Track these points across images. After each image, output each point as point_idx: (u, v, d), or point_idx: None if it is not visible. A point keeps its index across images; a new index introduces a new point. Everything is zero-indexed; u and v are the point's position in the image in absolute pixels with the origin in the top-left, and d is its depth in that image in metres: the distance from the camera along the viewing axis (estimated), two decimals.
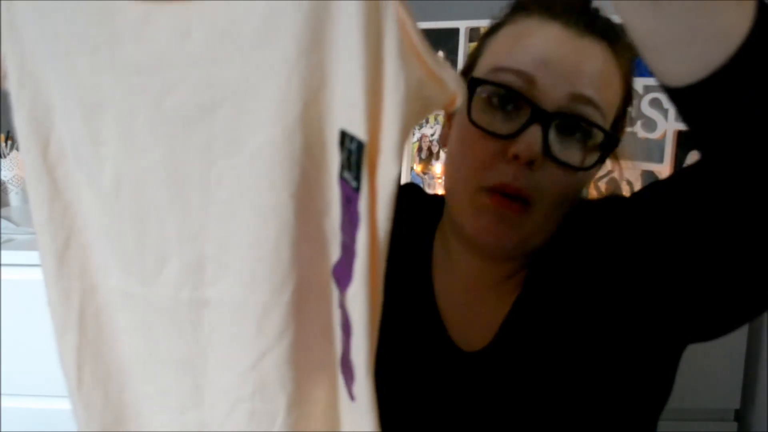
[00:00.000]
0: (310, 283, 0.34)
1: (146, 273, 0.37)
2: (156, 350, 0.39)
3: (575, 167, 0.55)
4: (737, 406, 1.46)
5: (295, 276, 0.34)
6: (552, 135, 0.53)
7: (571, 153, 0.54)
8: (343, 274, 0.33)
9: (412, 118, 0.30)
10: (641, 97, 1.46)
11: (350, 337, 0.32)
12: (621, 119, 0.60)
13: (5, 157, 1.48)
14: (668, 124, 1.38)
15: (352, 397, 0.34)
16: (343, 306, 0.33)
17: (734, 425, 1.47)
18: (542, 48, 0.54)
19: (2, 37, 0.37)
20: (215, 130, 0.33)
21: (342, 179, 0.32)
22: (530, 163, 0.53)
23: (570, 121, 0.54)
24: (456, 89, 0.30)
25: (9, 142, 1.48)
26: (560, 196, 0.55)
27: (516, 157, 0.53)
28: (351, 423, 0.36)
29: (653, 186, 0.55)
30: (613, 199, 0.61)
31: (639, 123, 1.50)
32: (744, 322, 0.50)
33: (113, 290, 0.39)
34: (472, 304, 0.62)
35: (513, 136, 0.53)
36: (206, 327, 0.37)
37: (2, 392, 1.11)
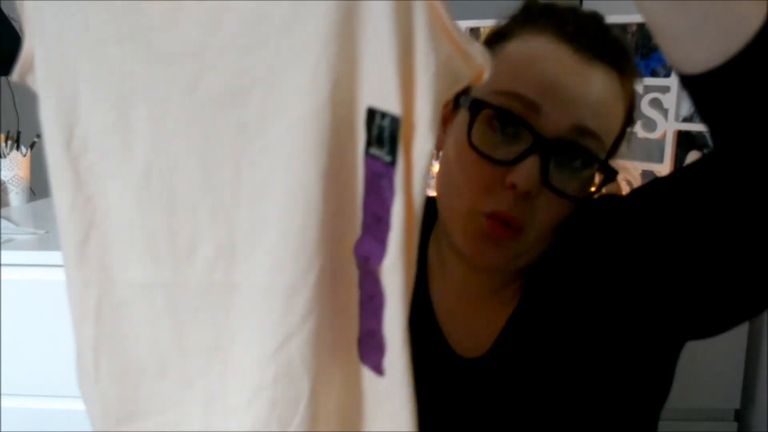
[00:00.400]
0: (334, 263, 0.35)
1: (177, 258, 0.37)
2: (180, 340, 0.39)
3: (572, 197, 0.54)
4: (737, 406, 1.46)
5: (321, 256, 0.34)
6: (551, 165, 0.53)
7: (568, 182, 0.54)
8: (370, 250, 0.33)
9: (443, 93, 0.31)
10: (641, 97, 1.46)
11: (382, 311, 0.33)
12: (619, 140, 0.59)
13: (5, 157, 1.47)
14: (668, 124, 1.38)
15: (380, 372, 0.34)
16: (366, 283, 0.34)
17: (734, 425, 1.47)
18: (551, 75, 0.53)
19: (30, 30, 0.38)
20: (247, 114, 0.34)
21: (369, 156, 0.32)
22: (527, 193, 0.52)
23: (570, 150, 0.54)
24: (483, 63, 0.31)
25: (9, 142, 1.48)
26: (554, 222, 0.55)
27: (513, 186, 0.52)
28: (376, 401, 0.36)
29: (653, 183, 0.55)
30: (610, 199, 0.61)
31: (639, 123, 1.50)
32: (743, 321, 0.50)
33: (136, 282, 0.39)
34: (470, 310, 0.62)
35: (512, 164, 0.52)
36: (234, 312, 0.37)
37: (2, 392, 1.11)
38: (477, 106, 0.54)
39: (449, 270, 0.62)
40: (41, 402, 1.12)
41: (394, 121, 0.30)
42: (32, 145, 1.50)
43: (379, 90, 0.31)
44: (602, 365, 0.56)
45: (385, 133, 0.31)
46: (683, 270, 0.49)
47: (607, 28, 0.57)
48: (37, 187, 1.56)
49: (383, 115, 0.31)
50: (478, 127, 0.54)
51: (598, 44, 0.54)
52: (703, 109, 0.40)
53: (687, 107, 1.42)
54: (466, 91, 0.58)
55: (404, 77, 0.30)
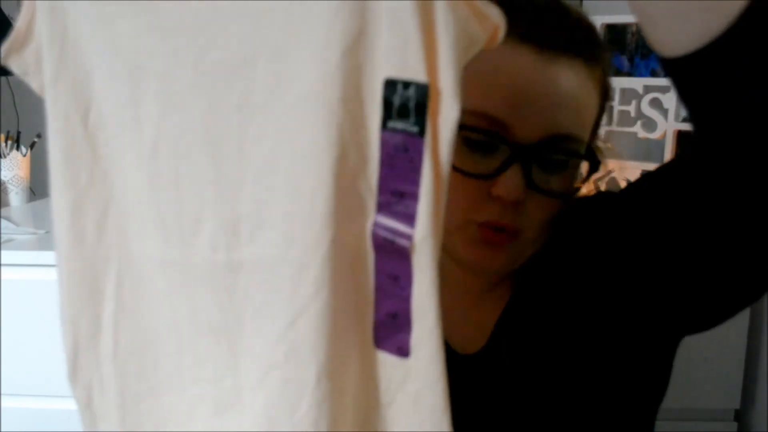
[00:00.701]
0: (345, 242, 0.34)
1: (184, 236, 0.37)
2: (193, 318, 0.38)
3: (560, 194, 0.54)
4: (737, 406, 1.46)
5: (330, 234, 0.33)
6: (533, 168, 0.52)
7: (554, 179, 0.53)
8: (395, 228, 0.33)
9: (462, 56, 0.30)
10: (641, 97, 1.46)
11: (409, 289, 0.33)
12: (598, 122, 0.58)
13: (5, 157, 1.48)
14: (668, 124, 1.38)
15: (406, 352, 0.34)
16: (388, 264, 0.33)
17: (734, 425, 1.47)
18: (517, 90, 0.52)
19: (32, 8, 0.37)
20: (254, 85, 0.33)
21: (387, 131, 0.31)
22: (515, 202, 0.52)
23: (549, 151, 0.53)
24: (498, 22, 0.30)
25: (9, 142, 1.48)
26: (548, 220, 0.55)
27: (500, 197, 0.52)
28: (395, 384, 0.35)
29: (644, 177, 0.54)
30: (603, 195, 0.61)
31: (639, 123, 1.50)
32: (738, 311, 0.49)
33: (151, 258, 0.39)
34: (464, 306, 0.62)
35: (493, 176, 0.52)
36: (241, 291, 0.36)
37: (2, 392, 1.11)
38: None
39: (445, 270, 0.62)
40: (41, 402, 1.12)
41: (421, 89, 0.30)
42: (32, 145, 1.50)
43: (398, 58, 0.30)
44: (598, 359, 0.56)
45: (410, 103, 0.30)
46: (677, 262, 0.49)
47: (567, 12, 0.56)
48: (37, 187, 1.56)
49: (406, 84, 0.30)
50: (455, 147, 0.53)
51: (560, 37, 0.53)
52: (685, 94, 0.39)
53: None
54: None
55: (427, 42, 0.29)
